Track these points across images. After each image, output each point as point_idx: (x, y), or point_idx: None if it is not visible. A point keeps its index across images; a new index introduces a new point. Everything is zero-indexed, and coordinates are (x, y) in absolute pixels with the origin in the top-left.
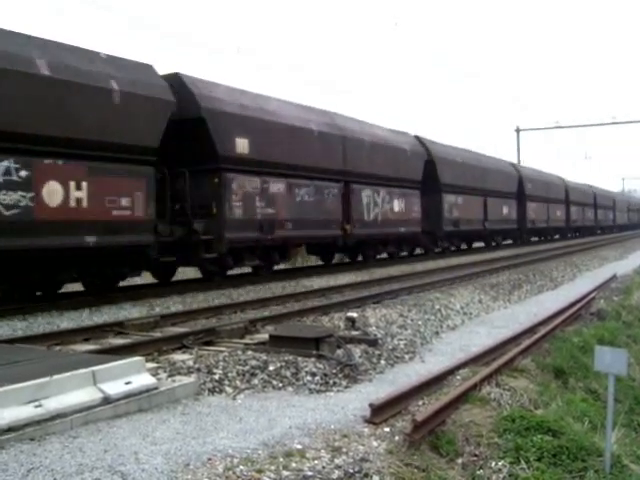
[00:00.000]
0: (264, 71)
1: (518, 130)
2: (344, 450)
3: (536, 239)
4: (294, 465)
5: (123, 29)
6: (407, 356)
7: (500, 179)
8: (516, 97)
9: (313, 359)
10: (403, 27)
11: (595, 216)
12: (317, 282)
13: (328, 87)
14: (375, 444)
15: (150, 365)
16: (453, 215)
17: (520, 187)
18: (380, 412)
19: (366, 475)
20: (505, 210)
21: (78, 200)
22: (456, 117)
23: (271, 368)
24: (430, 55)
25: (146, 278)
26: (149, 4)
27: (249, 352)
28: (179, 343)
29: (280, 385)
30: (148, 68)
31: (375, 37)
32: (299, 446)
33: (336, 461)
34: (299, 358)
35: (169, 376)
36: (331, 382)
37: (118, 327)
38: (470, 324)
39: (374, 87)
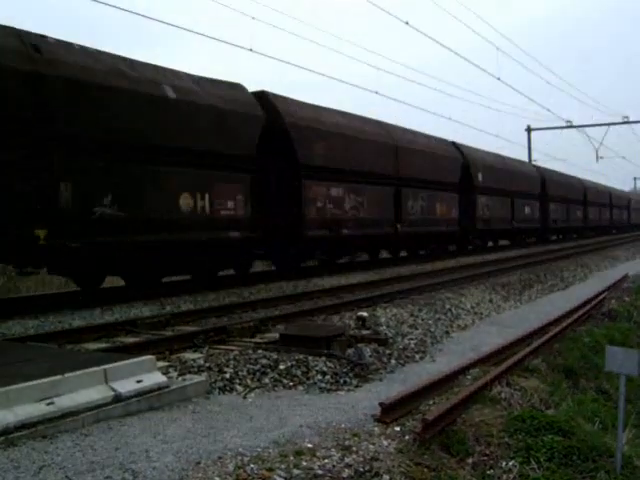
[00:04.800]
0: (273, 71)
1: (529, 129)
2: (354, 449)
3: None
4: (305, 464)
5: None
6: (418, 355)
7: (427, 163)
8: (528, 96)
9: (324, 358)
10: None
11: (585, 215)
12: (328, 281)
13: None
14: (385, 443)
15: (161, 364)
16: (327, 212)
17: (466, 176)
18: (390, 411)
19: (376, 474)
20: (440, 207)
21: None
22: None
23: (282, 367)
24: (439, 53)
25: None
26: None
27: (260, 351)
28: (190, 342)
29: (291, 384)
30: None
31: (385, 36)
32: (310, 445)
33: (346, 460)
34: (310, 357)
35: (180, 375)
36: (342, 381)
37: (129, 326)
38: (481, 324)
39: (380, 87)
